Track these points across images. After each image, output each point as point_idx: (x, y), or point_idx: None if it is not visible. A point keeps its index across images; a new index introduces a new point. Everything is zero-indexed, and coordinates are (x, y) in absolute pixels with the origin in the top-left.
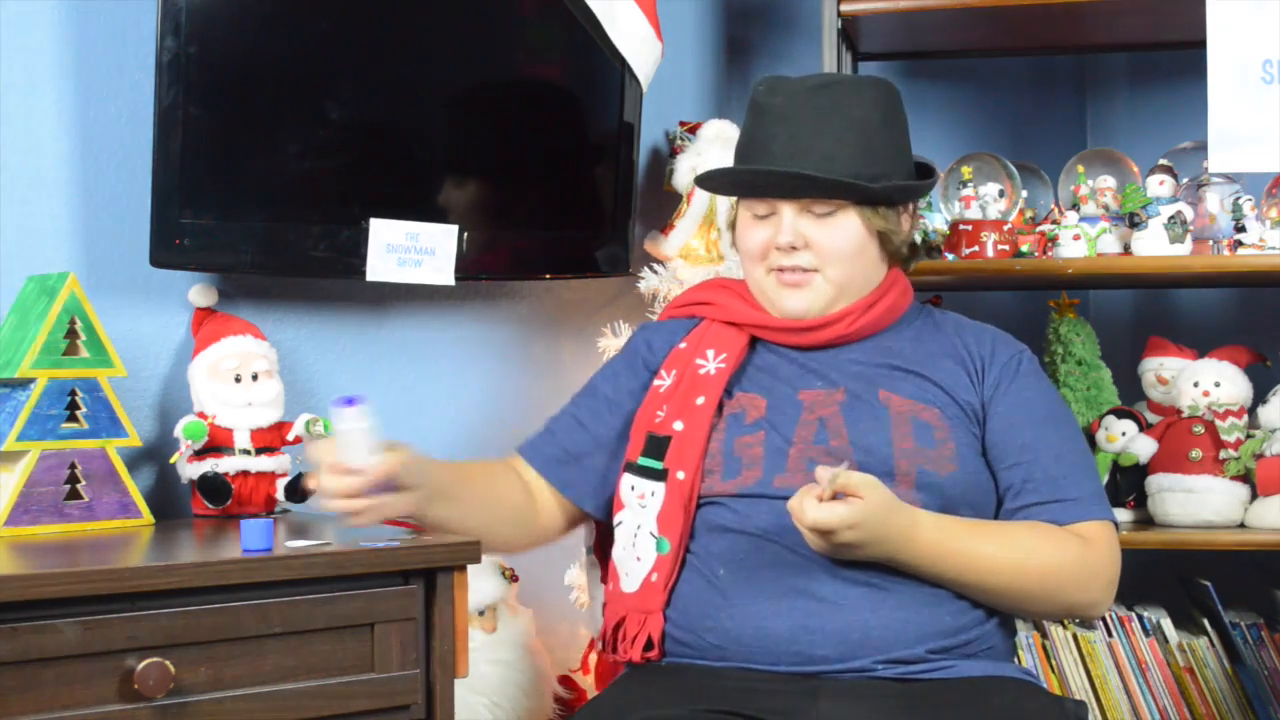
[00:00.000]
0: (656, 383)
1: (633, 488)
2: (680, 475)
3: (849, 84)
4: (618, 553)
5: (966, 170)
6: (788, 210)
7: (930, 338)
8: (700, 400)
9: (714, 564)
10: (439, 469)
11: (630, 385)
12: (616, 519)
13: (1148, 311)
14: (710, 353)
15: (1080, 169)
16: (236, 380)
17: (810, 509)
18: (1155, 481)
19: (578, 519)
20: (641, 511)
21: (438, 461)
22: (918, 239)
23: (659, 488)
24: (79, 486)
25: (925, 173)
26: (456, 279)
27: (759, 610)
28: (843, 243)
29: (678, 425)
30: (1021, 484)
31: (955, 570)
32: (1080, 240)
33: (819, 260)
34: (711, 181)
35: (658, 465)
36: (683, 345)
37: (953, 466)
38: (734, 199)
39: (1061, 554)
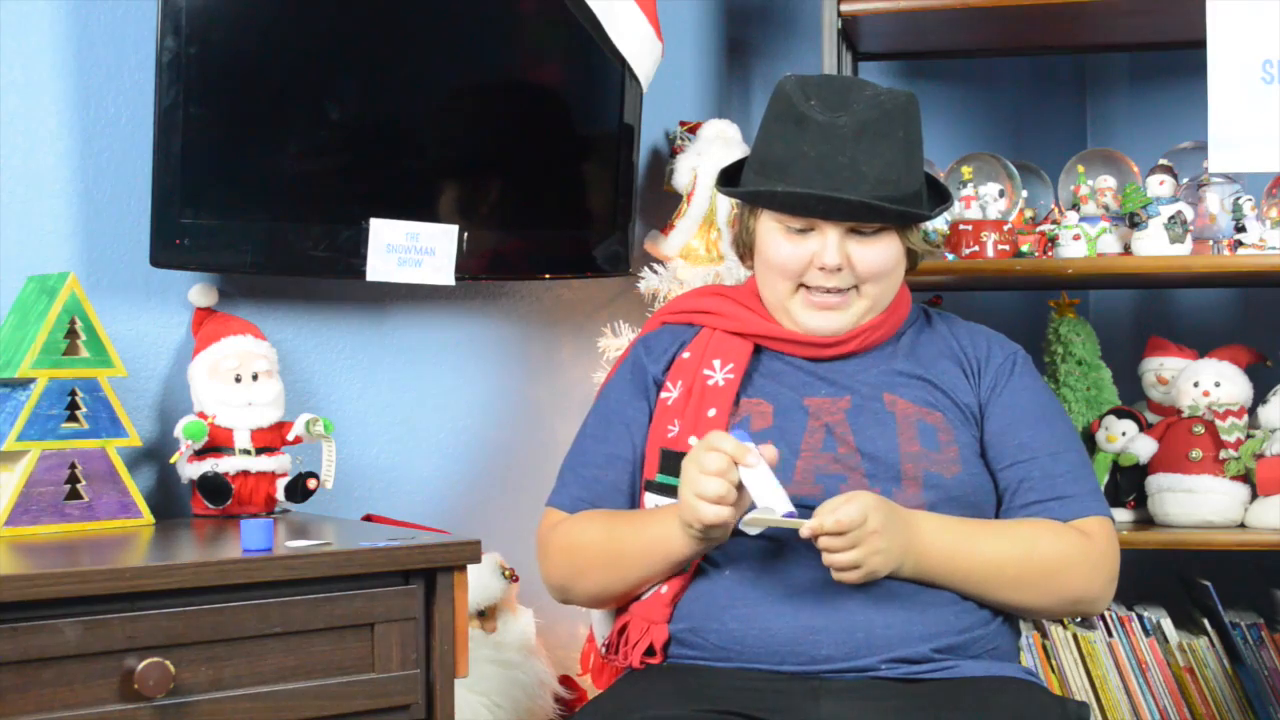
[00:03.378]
0: (663, 395)
1: (657, 506)
2: None
3: (895, 102)
4: None
5: (966, 170)
6: (833, 231)
7: (928, 340)
8: (712, 413)
9: (720, 565)
10: None
11: (644, 408)
12: None
13: (1148, 311)
14: (717, 363)
15: (1080, 169)
16: (236, 380)
17: (829, 516)
18: (1155, 481)
19: None
20: None
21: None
22: None
23: None
24: (79, 486)
25: (928, 177)
26: (456, 279)
27: (763, 611)
28: (883, 262)
29: (692, 441)
30: (1019, 483)
31: (963, 566)
32: (1080, 240)
33: (859, 279)
34: (760, 199)
35: (677, 482)
36: (687, 355)
37: (957, 468)
38: (734, 201)
39: (1064, 548)
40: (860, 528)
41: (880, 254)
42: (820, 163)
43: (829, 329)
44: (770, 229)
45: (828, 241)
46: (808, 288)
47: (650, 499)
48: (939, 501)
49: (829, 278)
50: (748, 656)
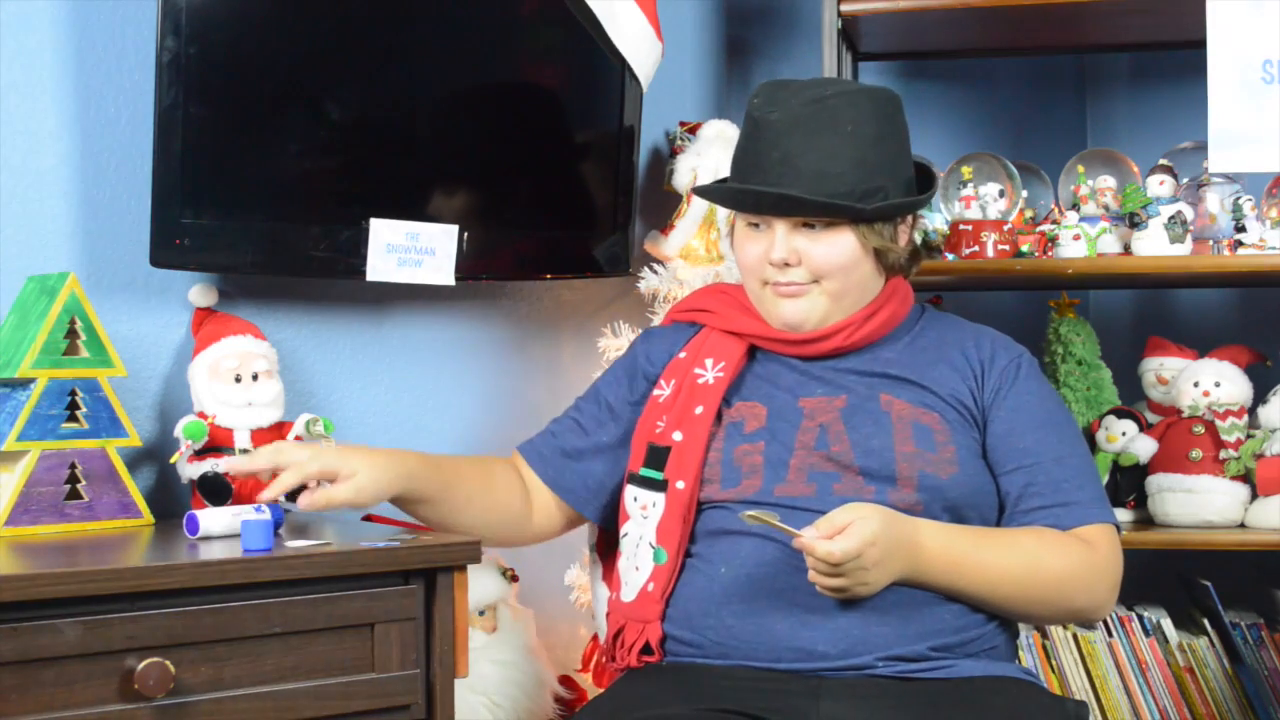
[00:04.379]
0: (656, 393)
1: (635, 499)
2: (680, 485)
3: (844, 96)
4: (621, 563)
5: (966, 170)
6: (780, 226)
7: (927, 344)
8: (699, 410)
9: (715, 563)
10: (419, 469)
11: (630, 397)
12: (622, 530)
13: (1148, 311)
14: (709, 362)
15: (1080, 169)
16: (236, 380)
17: (822, 544)
18: (1155, 481)
19: (575, 520)
20: (644, 522)
21: (420, 461)
22: (918, 239)
23: (660, 498)
24: (79, 486)
25: (925, 178)
26: (456, 279)
27: (761, 608)
28: (836, 257)
29: (677, 435)
30: (1023, 489)
31: (964, 581)
32: (1080, 240)
33: (812, 274)
34: (708, 194)
35: (658, 476)
36: (682, 355)
37: (953, 469)
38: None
39: (1067, 560)
40: (854, 561)
41: (831, 249)
42: (756, 159)
43: (795, 318)
44: (738, 228)
45: (775, 237)
46: (770, 283)
47: (630, 490)
48: (932, 503)
49: (781, 272)
50: (745, 653)
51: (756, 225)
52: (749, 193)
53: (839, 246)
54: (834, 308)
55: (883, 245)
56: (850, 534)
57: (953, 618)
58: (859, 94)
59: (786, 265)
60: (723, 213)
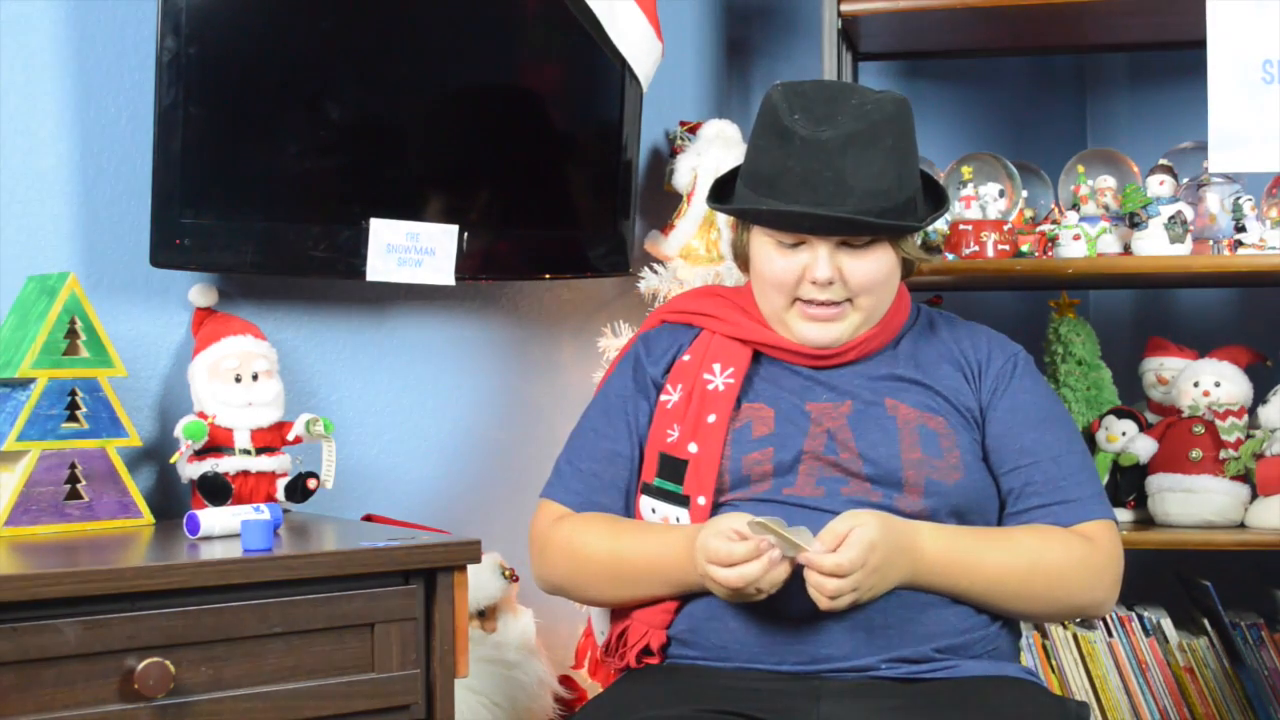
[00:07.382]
0: (664, 398)
1: (654, 510)
2: (701, 501)
3: (879, 108)
4: None
5: (966, 170)
6: (823, 245)
7: (928, 343)
8: (712, 418)
9: None
10: None
11: (644, 407)
12: None
13: (1148, 311)
14: (717, 367)
15: (1080, 169)
16: (236, 380)
17: (829, 557)
18: (1155, 481)
19: None
20: None
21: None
22: (917, 242)
23: (683, 514)
24: (79, 486)
25: (926, 180)
26: (456, 279)
27: (764, 610)
28: (876, 273)
29: (692, 448)
30: (1022, 488)
31: (966, 581)
32: (1080, 240)
33: (851, 291)
34: (756, 218)
35: (677, 489)
36: (687, 358)
37: (959, 474)
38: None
39: (1067, 557)
40: (860, 569)
41: (872, 265)
42: (806, 177)
43: (825, 341)
44: (762, 243)
45: (818, 255)
46: (803, 300)
47: (646, 501)
48: (939, 508)
49: (821, 290)
50: (748, 656)
51: (791, 245)
52: (811, 217)
53: (879, 262)
54: (863, 324)
55: (912, 255)
56: (852, 542)
57: (957, 620)
58: (889, 104)
59: (829, 283)
60: (723, 214)
